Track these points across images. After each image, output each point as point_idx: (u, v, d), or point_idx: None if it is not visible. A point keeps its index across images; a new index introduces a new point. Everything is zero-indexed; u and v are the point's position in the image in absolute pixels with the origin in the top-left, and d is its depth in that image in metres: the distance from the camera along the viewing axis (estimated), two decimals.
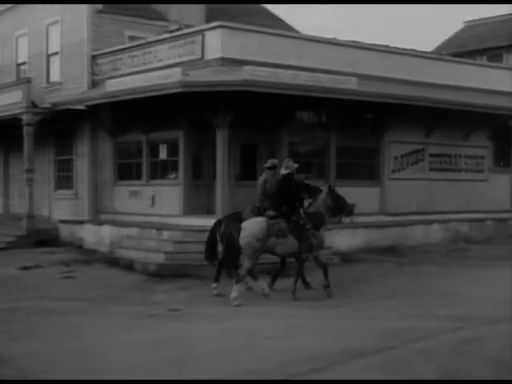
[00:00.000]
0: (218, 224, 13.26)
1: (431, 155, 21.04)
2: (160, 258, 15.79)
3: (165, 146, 18.80)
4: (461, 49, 30.79)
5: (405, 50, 21.95)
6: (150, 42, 19.14)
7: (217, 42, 17.24)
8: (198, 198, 18.05)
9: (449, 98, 20.00)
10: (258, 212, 13.01)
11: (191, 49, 17.77)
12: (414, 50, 22.46)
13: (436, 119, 20.36)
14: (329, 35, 19.95)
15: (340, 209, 13.73)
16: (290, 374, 7.14)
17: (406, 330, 9.25)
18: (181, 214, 17.79)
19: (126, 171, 20.09)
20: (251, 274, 12.42)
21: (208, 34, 17.47)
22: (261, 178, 13.64)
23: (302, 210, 12.91)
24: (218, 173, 16.60)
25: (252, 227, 12.28)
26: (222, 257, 12.79)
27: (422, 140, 20.82)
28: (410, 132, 20.44)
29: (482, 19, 33.31)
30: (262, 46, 17.67)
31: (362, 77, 18.61)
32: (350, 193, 18.80)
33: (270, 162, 13.64)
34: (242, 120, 16.77)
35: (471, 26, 33.52)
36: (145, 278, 14.99)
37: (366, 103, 18.29)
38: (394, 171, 20.24)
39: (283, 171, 12.91)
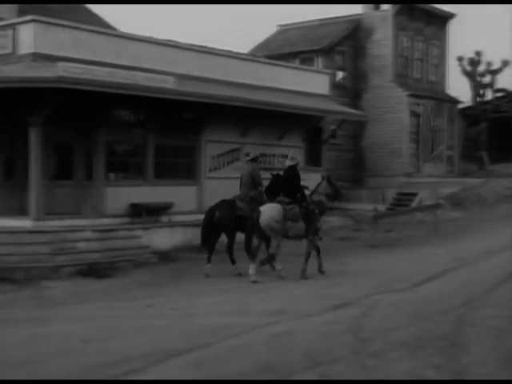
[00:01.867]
0: (212, 212, 14.75)
1: (247, 154, 21.52)
2: None
3: None
4: (275, 52, 31.73)
5: (221, 50, 22.32)
6: None
7: (29, 37, 16.61)
8: (10, 199, 17.36)
9: (264, 99, 20.58)
10: (250, 199, 14.76)
11: (2, 43, 17.01)
12: (230, 51, 22.90)
13: (252, 119, 20.88)
14: (153, 35, 19.92)
15: (336, 196, 15.63)
16: (108, 376, 7.06)
17: (223, 326, 9.40)
18: None
19: None
20: (250, 253, 13.85)
21: (20, 28, 16.79)
22: (245, 169, 15.45)
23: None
24: (32, 173, 16.05)
25: (270, 211, 13.75)
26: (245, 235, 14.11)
27: (238, 140, 21.27)
28: (226, 132, 20.82)
29: (294, 24, 34.54)
30: (77, 43, 17.25)
31: (180, 76, 18.71)
32: (169, 192, 18.98)
33: (252, 155, 15.86)
34: (58, 118, 16.30)
35: (284, 30, 34.67)
36: None
37: (184, 102, 18.41)
38: (210, 170, 20.52)
39: (288, 162, 14.53)
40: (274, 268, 14.41)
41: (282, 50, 31.91)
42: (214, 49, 22.16)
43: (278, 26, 35.51)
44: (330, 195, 15.38)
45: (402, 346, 8.31)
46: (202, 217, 19.50)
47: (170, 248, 17.54)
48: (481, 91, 37.57)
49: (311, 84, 24.20)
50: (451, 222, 24.74)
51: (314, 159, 24.30)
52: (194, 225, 18.85)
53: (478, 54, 37.03)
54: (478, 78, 37.30)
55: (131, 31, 19.24)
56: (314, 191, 15.13)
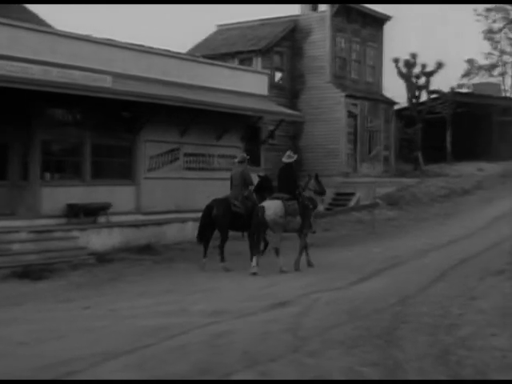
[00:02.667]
0: (209, 209, 15.46)
1: (186, 154, 21.50)
2: None
3: None
4: (214, 51, 31.71)
5: (160, 50, 22.21)
6: None
7: None
8: None
9: (203, 99, 20.58)
10: (245, 198, 15.60)
11: None
12: (168, 51, 22.80)
13: (190, 119, 20.85)
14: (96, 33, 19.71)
15: (322, 192, 16.57)
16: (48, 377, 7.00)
17: (162, 327, 9.38)
18: None
19: None
20: (254, 248, 14.64)
21: None
22: (235, 171, 16.08)
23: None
24: None
25: (274, 207, 14.56)
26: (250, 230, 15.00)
27: (177, 139, 21.20)
28: (165, 131, 20.73)
29: (233, 24, 34.58)
30: (13, 40, 16.90)
31: (118, 75, 18.55)
32: (107, 192, 18.80)
33: (240, 157, 16.48)
34: None
35: (223, 30, 34.68)
36: None
37: (122, 102, 18.28)
38: (149, 170, 20.40)
39: (286, 160, 15.34)
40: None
41: (221, 50, 31.91)
42: (152, 48, 22.04)
43: (216, 25, 35.51)
44: (318, 192, 16.41)
45: (340, 344, 8.44)
46: (141, 217, 19.57)
47: (107, 249, 17.37)
48: (416, 92, 38.27)
49: (250, 84, 24.30)
50: (387, 222, 25.17)
51: (252, 159, 24.35)
52: (132, 225, 18.76)
53: (413, 56, 37.71)
54: (414, 80, 37.99)
55: (69, 30, 18.92)
56: (305, 188, 15.96)
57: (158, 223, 19.59)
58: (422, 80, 38.15)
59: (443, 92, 40.05)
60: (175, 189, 20.86)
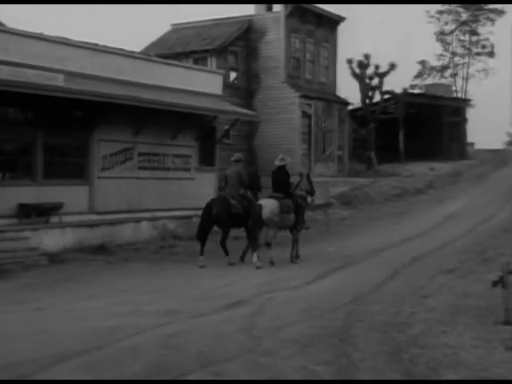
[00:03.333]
0: (209, 208, 16.03)
1: (140, 154, 21.33)
2: None
3: None
4: (168, 51, 31.58)
5: (114, 49, 22.01)
6: None
7: None
8: None
9: (157, 98, 20.45)
10: (241, 197, 16.38)
11: None
12: (122, 50, 22.62)
13: (145, 119, 20.71)
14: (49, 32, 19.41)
15: (312, 192, 17.75)
16: None
17: (115, 328, 9.32)
18: None
19: None
20: (255, 244, 15.58)
21: None
22: (231, 170, 16.71)
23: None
24: None
25: (270, 205, 15.66)
26: (250, 228, 15.96)
27: (131, 139, 21.02)
28: (119, 131, 20.54)
29: (188, 23, 34.49)
30: None
31: (71, 74, 18.31)
32: (59, 192, 18.55)
33: (236, 156, 17.10)
34: None
35: (178, 29, 34.56)
36: None
37: (75, 101, 18.04)
38: (103, 170, 20.19)
39: (278, 163, 16.40)
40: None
41: (176, 50, 31.80)
42: (106, 47, 21.84)
43: (171, 24, 35.35)
44: (308, 191, 17.62)
45: (294, 344, 8.49)
46: (94, 217, 19.37)
47: (60, 249, 17.14)
48: (369, 93, 38.69)
49: (204, 84, 24.24)
50: (342, 221, 25.39)
51: (207, 159, 24.34)
52: (85, 225, 18.56)
53: (367, 56, 38.13)
54: (367, 81, 38.39)
55: (21, 28, 18.62)
56: (296, 187, 17.07)
57: (112, 223, 19.41)
58: (375, 81, 38.62)
59: (396, 93, 40.58)
60: (129, 188, 20.69)
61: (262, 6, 33.32)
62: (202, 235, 16.17)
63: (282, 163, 16.51)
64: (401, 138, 41.01)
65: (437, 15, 63.97)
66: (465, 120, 46.21)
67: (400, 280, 13.52)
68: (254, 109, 30.77)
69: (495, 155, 46.66)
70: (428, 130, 43.00)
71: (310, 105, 32.57)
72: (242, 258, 16.41)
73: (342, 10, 35.91)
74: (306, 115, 32.34)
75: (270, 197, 16.05)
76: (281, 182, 16.31)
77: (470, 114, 49.44)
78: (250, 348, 8.33)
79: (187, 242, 19.36)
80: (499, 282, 9.33)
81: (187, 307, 10.89)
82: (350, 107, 37.19)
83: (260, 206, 15.69)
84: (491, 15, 62.79)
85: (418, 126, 42.14)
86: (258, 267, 15.14)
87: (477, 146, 52.07)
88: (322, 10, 34.19)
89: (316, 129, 33.05)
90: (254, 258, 15.37)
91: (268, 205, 15.71)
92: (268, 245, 15.88)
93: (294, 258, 16.32)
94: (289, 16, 31.98)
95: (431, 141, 42.99)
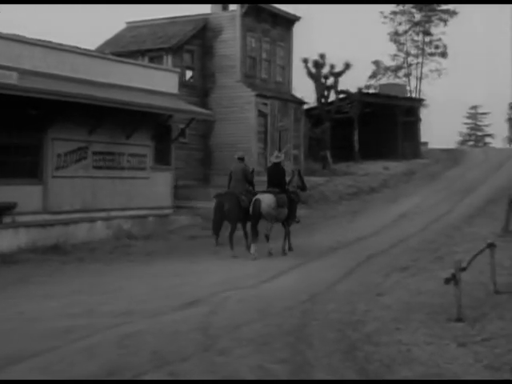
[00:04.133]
0: (221, 203, 16.99)
1: (95, 153, 21.14)
2: None
3: None
4: (123, 49, 31.30)
5: (69, 47, 21.75)
6: None
7: None
8: None
9: (112, 97, 20.30)
10: (248, 192, 17.29)
11: None
12: (77, 48, 22.38)
13: (100, 117, 20.54)
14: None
15: (303, 188, 18.76)
16: None
17: (69, 329, 9.23)
18: None
19: None
20: (255, 237, 16.52)
21: None
22: (236, 167, 17.65)
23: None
24: None
25: (268, 200, 16.59)
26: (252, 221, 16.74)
27: (85, 138, 20.82)
28: (74, 129, 20.33)
29: (143, 21, 34.23)
30: None
31: (25, 72, 18.07)
32: (12, 191, 18.29)
33: (240, 154, 18.05)
34: None
35: (133, 27, 34.29)
36: None
37: (29, 99, 17.82)
38: (57, 169, 19.96)
39: (274, 160, 17.49)
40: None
41: (131, 48, 31.55)
42: (61, 45, 21.54)
43: (126, 22, 35.07)
44: (300, 187, 18.56)
45: (250, 342, 8.52)
46: (48, 217, 19.15)
47: (13, 250, 16.93)
48: (324, 92, 38.90)
49: (160, 82, 24.13)
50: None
51: (163, 158, 24.22)
52: (39, 225, 18.35)
53: (322, 56, 38.32)
54: (322, 80, 38.60)
55: None
56: (289, 184, 17.89)
57: (66, 223, 19.23)
58: (331, 80, 38.82)
59: (351, 92, 40.87)
60: (84, 188, 20.50)
61: (219, 6, 33.25)
62: (217, 230, 17.25)
63: (278, 160, 17.48)
64: (356, 138, 41.33)
65: (391, 16, 64.70)
66: (418, 120, 46.75)
67: (355, 278, 13.65)
68: (210, 108, 30.71)
69: (448, 154, 47.33)
70: (382, 129, 43.43)
71: (266, 104, 32.63)
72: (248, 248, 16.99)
73: (298, 9, 36.04)
74: (262, 114, 32.38)
75: (268, 191, 16.94)
76: (277, 177, 17.23)
77: (424, 113, 50.08)
78: (206, 347, 8.34)
79: (142, 242, 19.29)
80: (452, 280, 9.47)
81: (143, 307, 10.84)
82: (305, 106, 37.34)
83: (259, 201, 16.57)
84: (444, 16, 63.73)
85: (373, 126, 42.53)
86: (254, 258, 16.14)
87: (430, 146, 52.71)
88: (278, 9, 34.26)
89: (272, 128, 33.12)
90: (252, 250, 16.34)
91: (265, 199, 16.62)
92: (267, 237, 16.75)
93: (287, 250, 17.21)
94: (244, 15, 31.99)
95: (385, 140, 43.42)
